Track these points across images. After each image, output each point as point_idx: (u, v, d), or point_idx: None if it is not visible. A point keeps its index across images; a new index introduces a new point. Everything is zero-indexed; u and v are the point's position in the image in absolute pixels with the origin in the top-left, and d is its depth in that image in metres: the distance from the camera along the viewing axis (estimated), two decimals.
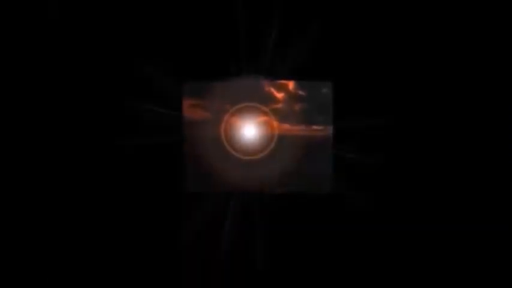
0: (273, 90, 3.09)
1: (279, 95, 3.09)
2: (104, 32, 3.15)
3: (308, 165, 3.09)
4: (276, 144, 3.11)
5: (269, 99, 3.10)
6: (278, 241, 3.13)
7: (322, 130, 3.08)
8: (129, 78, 3.13)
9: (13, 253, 3.10)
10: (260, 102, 3.10)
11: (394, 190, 3.14)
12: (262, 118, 3.11)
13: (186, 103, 3.08)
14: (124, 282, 3.12)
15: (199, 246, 3.12)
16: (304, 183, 3.09)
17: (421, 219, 3.13)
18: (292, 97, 3.09)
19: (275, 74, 3.09)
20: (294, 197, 3.11)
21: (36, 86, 3.15)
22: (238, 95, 3.10)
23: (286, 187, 3.10)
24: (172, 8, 3.15)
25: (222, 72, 3.11)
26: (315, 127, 3.09)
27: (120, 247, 3.13)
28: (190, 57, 3.12)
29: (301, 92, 3.08)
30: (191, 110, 3.09)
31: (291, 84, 3.09)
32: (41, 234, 3.12)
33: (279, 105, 3.09)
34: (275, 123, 3.11)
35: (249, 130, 3.13)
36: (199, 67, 3.12)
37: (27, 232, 3.11)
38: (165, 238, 3.12)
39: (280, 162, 3.10)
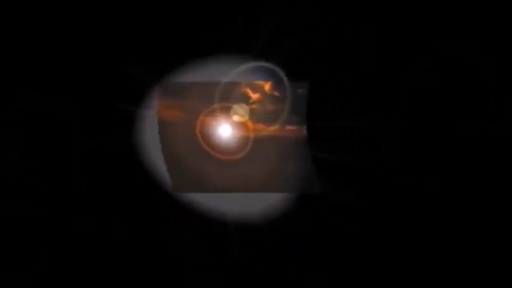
0: (248, 90, 3.05)
1: (254, 96, 3.05)
2: (81, 32, 3.15)
3: (284, 165, 3.07)
4: (253, 145, 3.07)
5: (244, 100, 3.06)
6: (258, 242, 3.14)
7: (297, 130, 3.05)
8: (106, 79, 3.13)
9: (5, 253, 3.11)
10: (234, 103, 3.05)
11: (368, 190, 3.15)
12: (236, 118, 3.07)
13: (160, 103, 3.05)
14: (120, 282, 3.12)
15: (184, 247, 3.13)
16: (281, 184, 3.08)
17: (405, 220, 3.15)
18: (267, 98, 3.05)
19: (251, 74, 3.04)
20: (273, 197, 3.12)
21: (27, 85, 3.16)
22: (213, 95, 3.04)
23: (264, 188, 3.08)
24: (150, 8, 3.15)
25: (197, 73, 3.07)
26: (289, 127, 3.05)
27: (111, 251, 3.13)
28: (164, 58, 3.12)
29: (276, 93, 3.05)
30: (165, 110, 3.04)
31: (266, 85, 3.05)
32: (35, 235, 3.12)
33: (253, 106, 3.05)
34: (249, 124, 3.07)
35: (224, 130, 3.09)
36: (173, 67, 3.11)
37: (23, 233, 3.12)
38: (154, 240, 3.13)
39: (257, 163, 3.09)
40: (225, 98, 3.04)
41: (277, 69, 3.01)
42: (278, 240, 3.16)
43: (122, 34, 3.17)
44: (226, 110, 3.05)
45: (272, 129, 3.06)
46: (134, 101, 3.15)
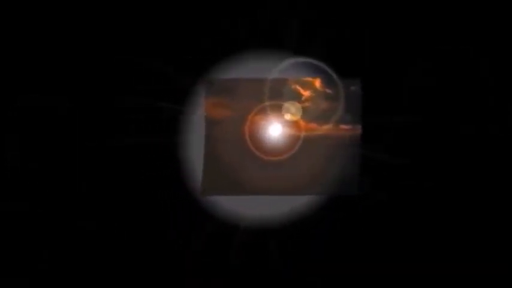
0: (298, 87, 2.94)
1: (306, 93, 2.93)
2: (118, 29, 3.15)
3: (336, 166, 2.96)
4: (302, 145, 2.96)
5: (295, 97, 2.94)
6: (304, 243, 3.14)
7: (351, 130, 2.95)
8: (142, 76, 3.14)
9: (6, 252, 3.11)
10: (285, 100, 2.93)
11: (422, 191, 3.15)
12: (288, 117, 2.95)
13: (208, 101, 2.95)
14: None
15: (184, 247, 3.14)
16: (332, 185, 2.98)
17: (451, 220, 3.13)
18: (318, 95, 2.93)
19: (300, 70, 2.96)
20: (322, 199, 3.09)
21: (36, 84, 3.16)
22: (262, 93, 2.94)
23: (313, 189, 2.98)
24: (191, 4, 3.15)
25: (243, 69, 3.02)
26: (343, 126, 2.94)
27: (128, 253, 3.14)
28: (208, 54, 3.12)
29: (328, 90, 2.93)
30: (213, 108, 2.93)
31: (317, 82, 2.94)
32: (35, 235, 3.12)
33: (306, 104, 2.93)
34: (302, 123, 2.95)
35: (274, 130, 2.97)
36: (218, 64, 3.09)
37: (23, 233, 3.12)
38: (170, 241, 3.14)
39: (307, 163, 2.98)
40: (276, 96, 2.92)
41: (325, 66, 2.90)
42: (291, 242, 3.17)
43: (122, 34, 3.17)
44: (278, 108, 2.92)
45: (325, 128, 2.94)
46: (134, 101, 3.15)
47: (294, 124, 2.96)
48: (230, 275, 3.14)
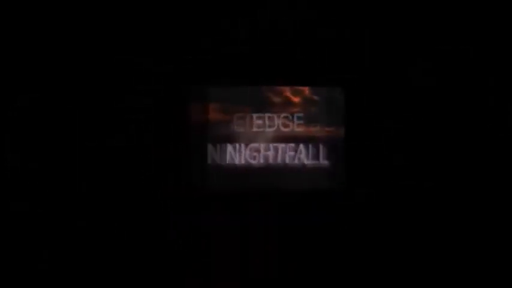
0: (289, 95, 3.29)
1: (296, 99, 3.29)
2: (104, 34, 3.17)
3: (323, 164, 3.25)
4: (291, 144, 3.27)
5: (287, 103, 3.28)
6: (293, 235, 3.18)
7: (336, 131, 3.25)
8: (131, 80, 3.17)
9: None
10: (278, 106, 3.27)
11: (401, 188, 3.18)
12: (281, 120, 3.28)
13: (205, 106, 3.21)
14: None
15: (184, 247, 3.16)
16: (318, 181, 3.24)
17: (427, 219, 3.15)
18: (307, 101, 3.28)
19: (290, 80, 3.27)
20: (309, 194, 3.21)
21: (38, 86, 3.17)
22: (255, 100, 3.27)
23: (301, 185, 3.23)
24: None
25: (237, 78, 3.24)
26: (328, 128, 3.27)
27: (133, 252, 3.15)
28: (165, 59, 3.19)
29: (315, 97, 3.28)
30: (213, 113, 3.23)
31: (306, 90, 3.29)
32: (35, 235, 3.13)
33: (296, 109, 3.28)
34: (292, 125, 3.28)
35: (265, 131, 3.27)
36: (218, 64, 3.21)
37: (23, 233, 3.12)
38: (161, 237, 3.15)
39: (295, 161, 3.26)
40: (269, 102, 3.27)
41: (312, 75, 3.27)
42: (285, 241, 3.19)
43: (122, 36, 3.18)
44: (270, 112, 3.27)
45: (312, 130, 3.27)
46: (134, 102, 3.16)
47: (285, 126, 3.29)
48: (230, 275, 3.15)
